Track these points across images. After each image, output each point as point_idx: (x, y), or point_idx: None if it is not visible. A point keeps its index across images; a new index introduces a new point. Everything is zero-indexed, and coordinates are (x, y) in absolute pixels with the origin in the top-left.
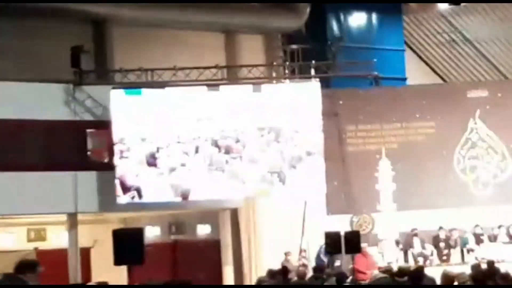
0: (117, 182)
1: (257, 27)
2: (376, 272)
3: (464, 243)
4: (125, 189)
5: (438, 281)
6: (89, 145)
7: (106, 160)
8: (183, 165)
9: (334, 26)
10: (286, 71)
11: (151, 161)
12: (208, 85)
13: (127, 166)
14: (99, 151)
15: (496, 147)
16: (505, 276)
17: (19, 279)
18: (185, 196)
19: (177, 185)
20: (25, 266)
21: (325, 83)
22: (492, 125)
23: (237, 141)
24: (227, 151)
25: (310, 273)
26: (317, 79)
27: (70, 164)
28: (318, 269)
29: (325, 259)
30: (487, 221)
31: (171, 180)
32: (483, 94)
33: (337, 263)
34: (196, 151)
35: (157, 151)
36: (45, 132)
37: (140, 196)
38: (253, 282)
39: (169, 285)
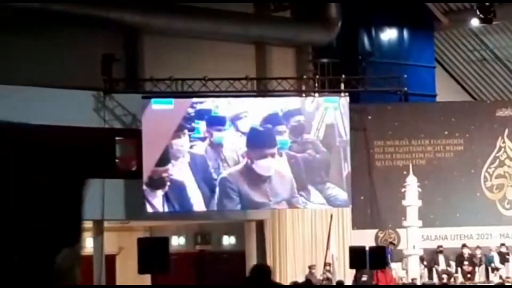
0: (145, 187)
1: (288, 39)
2: None
3: (489, 261)
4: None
5: None
6: (118, 153)
7: (133, 169)
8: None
9: (365, 40)
10: (316, 85)
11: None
12: (237, 96)
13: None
14: (127, 159)
15: None
16: None
17: None
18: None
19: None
20: None
21: (354, 98)
22: None
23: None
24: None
25: None
26: (347, 94)
27: (98, 172)
28: (342, 284)
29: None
30: None
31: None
32: None
33: (364, 278)
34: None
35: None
36: (74, 139)
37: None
38: None
39: None
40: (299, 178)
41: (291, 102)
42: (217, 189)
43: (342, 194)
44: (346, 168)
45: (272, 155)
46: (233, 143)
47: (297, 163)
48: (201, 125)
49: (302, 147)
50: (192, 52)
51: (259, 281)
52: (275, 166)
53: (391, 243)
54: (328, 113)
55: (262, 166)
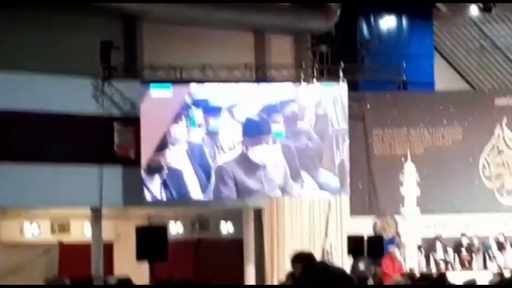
0: (143, 174)
1: (287, 27)
2: (397, 278)
3: (487, 250)
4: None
5: None
6: (116, 140)
7: (132, 156)
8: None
9: (364, 28)
10: (315, 73)
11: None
12: (236, 82)
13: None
14: (126, 146)
15: None
16: None
17: None
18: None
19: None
20: None
21: (353, 86)
22: None
23: (268, 139)
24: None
25: None
26: (345, 81)
27: (96, 158)
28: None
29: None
30: (510, 229)
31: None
32: (511, 102)
33: (361, 266)
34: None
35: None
36: (73, 125)
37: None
38: (275, 282)
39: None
40: (293, 165)
41: (285, 92)
42: (213, 176)
43: (334, 181)
44: (339, 156)
45: (267, 142)
46: (229, 131)
47: (291, 151)
48: (198, 113)
49: (296, 135)
50: (191, 40)
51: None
52: (270, 155)
53: (397, 233)
54: (321, 102)
55: (257, 154)
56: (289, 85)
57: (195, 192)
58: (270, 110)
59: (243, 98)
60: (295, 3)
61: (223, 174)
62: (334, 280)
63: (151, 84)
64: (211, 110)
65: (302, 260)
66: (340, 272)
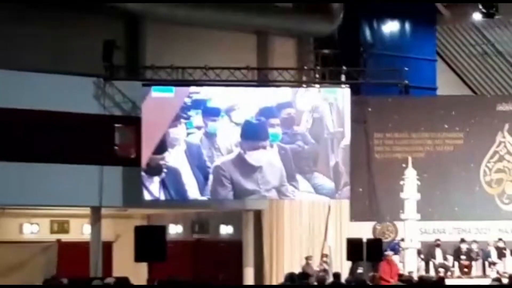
0: (143, 174)
1: (290, 30)
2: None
3: (486, 256)
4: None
5: None
6: (117, 140)
7: (132, 156)
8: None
9: (367, 32)
10: (317, 76)
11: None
12: (238, 86)
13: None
14: (126, 147)
15: None
16: None
17: None
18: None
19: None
20: None
21: (355, 90)
22: None
23: (265, 143)
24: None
25: (330, 279)
26: (347, 85)
27: (97, 158)
28: (338, 275)
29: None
30: (510, 235)
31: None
32: None
33: (360, 270)
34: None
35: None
36: (74, 125)
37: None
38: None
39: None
40: (289, 168)
41: (283, 95)
42: (211, 177)
43: (329, 184)
44: (333, 159)
45: (264, 147)
46: (227, 133)
47: (287, 154)
48: (197, 115)
49: (292, 138)
50: (194, 41)
51: None
52: (266, 157)
53: (397, 238)
54: (318, 106)
55: (254, 156)
56: (286, 88)
57: (193, 192)
58: (267, 112)
59: (242, 101)
60: (298, 5)
61: (220, 175)
62: None
63: (153, 87)
64: (209, 112)
65: None
66: None
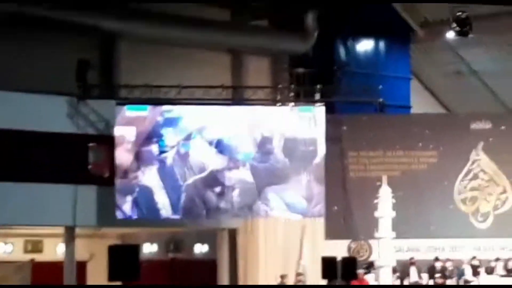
0: (117, 194)
1: (265, 48)
2: None
3: (461, 274)
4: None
5: None
6: (91, 159)
7: (106, 175)
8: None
9: (342, 51)
10: (291, 94)
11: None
12: (212, 104)
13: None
14: (100, 166)
15: (498, 179)
16: None
17: None
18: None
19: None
20: None
21: (330, 108)
22: (494, 158)
23: (237, 162)
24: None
25: None
26: (322, 104)
27: (71, 177)
28: None
29: None
30: (485, 253)
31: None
32: (486, 126)
33: None
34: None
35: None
36: (47, 144)
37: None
38: None
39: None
40: (261, 186)
41: (257, 113)
42: (183, 196)
43: (301, 202)
44: (306, 177)
45: (237, 166)
46: (200, 152)
47: (259, 172)
48: (170, 133)
49: (265, 157)
50: (168, 59)
51: None
52: (239, 176)
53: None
54: (292, 124)
55: (226, 175)
56: (260, 107)
57: (165, 211)
58: (240, 131)
59: (215, 120)
60: (273, 23)
61: (193, 194)
62: None
63: (127, 106)
64: (182, 130)
65: None
66: None
